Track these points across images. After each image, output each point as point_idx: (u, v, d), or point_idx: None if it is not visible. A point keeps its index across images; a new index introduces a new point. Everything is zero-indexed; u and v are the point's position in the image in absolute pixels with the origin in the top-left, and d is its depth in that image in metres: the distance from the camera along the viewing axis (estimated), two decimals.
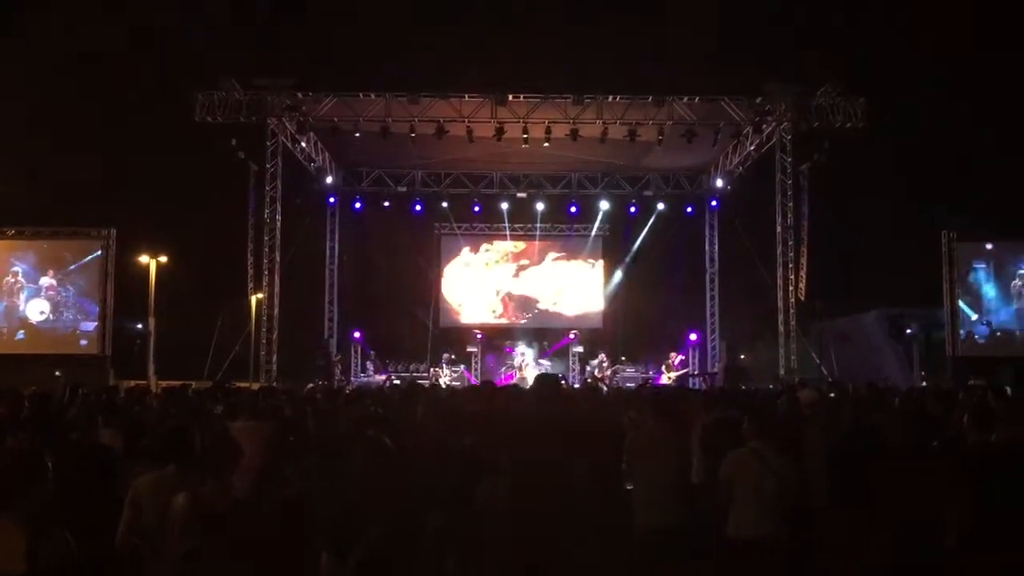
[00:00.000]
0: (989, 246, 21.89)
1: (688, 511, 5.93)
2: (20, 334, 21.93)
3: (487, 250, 27.36)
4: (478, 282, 27.22)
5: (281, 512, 4.33)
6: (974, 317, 21.59)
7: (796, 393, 9.26)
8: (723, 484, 5.73)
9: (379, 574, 4.71)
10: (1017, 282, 21.57)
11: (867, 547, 5.93)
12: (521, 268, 27.30)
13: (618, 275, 26.71)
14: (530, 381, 20.50)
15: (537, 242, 27.05)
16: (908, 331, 26.01)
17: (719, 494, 5.77)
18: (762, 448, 5.77)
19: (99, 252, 21.97)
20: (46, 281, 22.02)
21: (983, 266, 21.72)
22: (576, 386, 19.48)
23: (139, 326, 25.47)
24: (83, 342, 21.90)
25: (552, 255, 27.30)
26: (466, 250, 27.31)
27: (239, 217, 21.52)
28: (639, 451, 5.96)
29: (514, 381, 20.66)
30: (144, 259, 23.75)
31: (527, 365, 23.22)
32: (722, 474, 5.77)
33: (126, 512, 4.50)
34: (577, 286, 27.19)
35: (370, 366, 24.78)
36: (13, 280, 21.99)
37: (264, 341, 20.89)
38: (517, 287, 27.26)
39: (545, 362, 24.15)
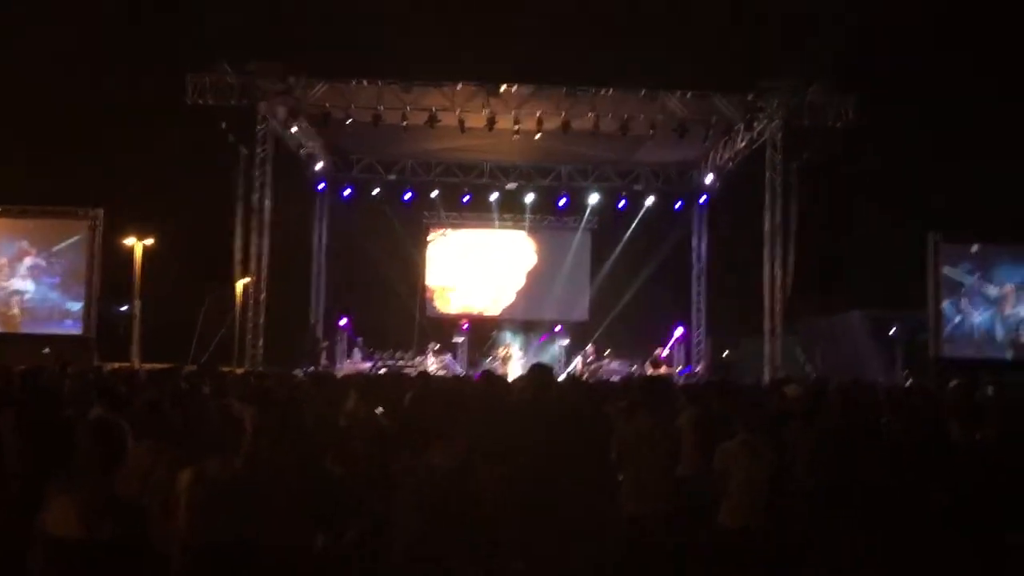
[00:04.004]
0: (975, 248, 21.88)
1: (676, 500, 6.01)
2: (4, 313, 21.80)
3: (475, 240, 27.37)
4: (465, 272, 27.23)
5: (278, 489, 4.36)
6: (957, 319, 21.62)
7: (782, 388, 9.35)
8: (717, 475, 5.84)
9: (372, 552, 4.79)
10: (1001, 288, 21.58)
11: (852, 538, 6.02)
12: (508, 259, 27.32)
13: (605, 268, 26.76)
14: (511, 376, 20.52)
15: (526, 233, 27.09)
16: (891, 332, 26.10)
17: (713, 484, 5.87)
18: (752, 440, 5.87)
19: (77, 237, 21.85)
20: (31, 261, 21.88)
21: (968, 268, 21.76)
22: (562, 378, 19.47)
23: (124, 308, 25.31)
24: (68, 323, 21.79)
25: (540, 246, 27.37)
26: (454, 239, 27.32)
27: (228, 201, 21.42)
28: (629, 441, 6.03)
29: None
30: (130, 241, 23.60)
31: (511, 359, 23.17)
32: (716, 465, 5.88)
33: (133, 486, 4.53)
34: (564, 278, 27.24)
35: (357, 353, 24.68)
36: None
37: (251, 326, 20.83)
38: (504, 278, 27.28)
39: (531, 354, 24.12)
